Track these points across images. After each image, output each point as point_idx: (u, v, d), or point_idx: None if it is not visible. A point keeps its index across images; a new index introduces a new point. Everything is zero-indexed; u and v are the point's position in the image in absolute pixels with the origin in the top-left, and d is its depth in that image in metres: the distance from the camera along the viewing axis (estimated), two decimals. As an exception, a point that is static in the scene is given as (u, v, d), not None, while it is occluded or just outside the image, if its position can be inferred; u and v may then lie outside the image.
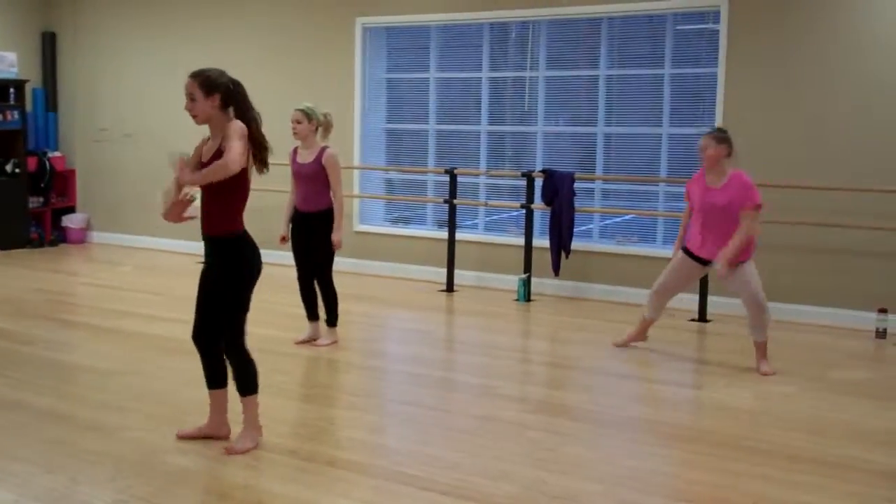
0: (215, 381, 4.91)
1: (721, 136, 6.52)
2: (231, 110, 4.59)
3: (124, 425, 5.28)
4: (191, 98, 4.55)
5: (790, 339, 7.63)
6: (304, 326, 7.32)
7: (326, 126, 7.09)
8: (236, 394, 4.86)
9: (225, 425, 4.98)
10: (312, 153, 7.03)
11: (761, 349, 6.70)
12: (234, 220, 4.69)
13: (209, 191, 4.58)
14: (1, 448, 4.91)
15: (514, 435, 5.27)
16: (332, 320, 7.28)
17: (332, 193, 6.98)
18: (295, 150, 7.11)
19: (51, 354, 6.98)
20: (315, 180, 6.99)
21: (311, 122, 7.03)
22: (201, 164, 4.62)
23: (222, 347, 4.79)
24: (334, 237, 6.95)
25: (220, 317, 4.73)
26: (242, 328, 4.77)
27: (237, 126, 4.50)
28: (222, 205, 4.63)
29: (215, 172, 4.41)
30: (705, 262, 6.74)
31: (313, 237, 7.01)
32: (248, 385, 4.79)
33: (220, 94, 4.55)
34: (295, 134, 7.02)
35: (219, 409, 4.95)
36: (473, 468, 4.67)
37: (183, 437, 4.97)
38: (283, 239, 7.15)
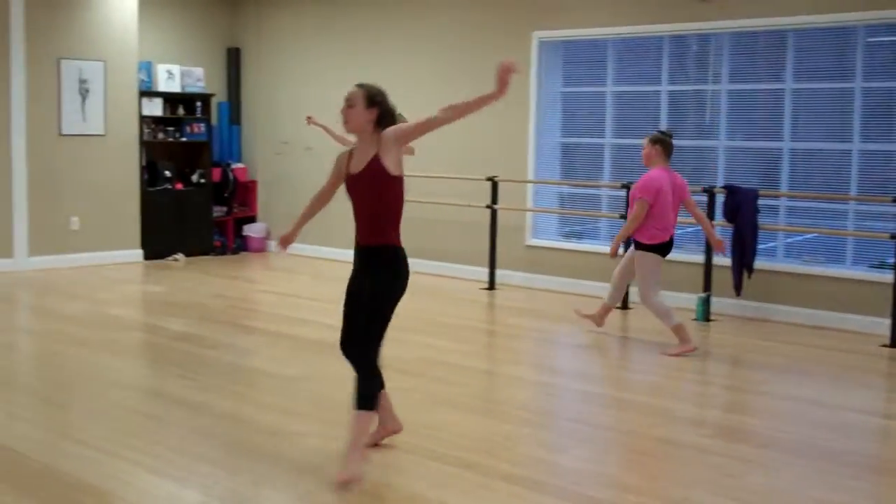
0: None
1: (655, 138, 7.59)
2: (380, 131, 4.61)
3: (304, 431, 5.37)
4: (349, 105, 4.61)
5: None
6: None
7: None
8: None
9: (393, 419, 5.06)
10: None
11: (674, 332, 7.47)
12: (394, 230, 4.65)
13: (369, 199, 4.59)
14: (188, 448, 5.06)
15: (694, 459, 5.10)
16: None
17: None
18: None
19: (233, 359, 7.18)
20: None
21: None
22: (349, 177, 4.64)
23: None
24: None
25: (363, 327, 4.64)
26: (380, 342, 4.68)
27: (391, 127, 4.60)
28: (383, 214, 4.61)
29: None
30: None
31: None
32: (367, 400, 4.61)
33: (378, 109, 4.61)
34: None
35: (383, 406, 4.95)
36: (654, 492, 4.54)
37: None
38: None
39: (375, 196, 4.55)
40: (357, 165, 4.63)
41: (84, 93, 11.28)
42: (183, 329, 8.09)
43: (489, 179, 10.20)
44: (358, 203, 4.65)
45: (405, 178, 4.67)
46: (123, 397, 6.09)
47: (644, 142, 7.69)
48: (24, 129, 10.78)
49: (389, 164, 4.53)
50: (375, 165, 4.53)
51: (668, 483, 4.67)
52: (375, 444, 5.01)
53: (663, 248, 7.60)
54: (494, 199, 10.22)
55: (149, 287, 10.34)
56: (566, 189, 10.53)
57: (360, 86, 4.67)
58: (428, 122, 4.49)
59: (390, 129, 4.57)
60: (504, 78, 4.30)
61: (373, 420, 4.75)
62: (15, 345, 7.85)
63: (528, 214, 10.39)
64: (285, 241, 5.19)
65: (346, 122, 4.64)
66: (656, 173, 7.52)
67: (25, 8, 10.67)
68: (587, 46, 10.19)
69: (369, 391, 4.62)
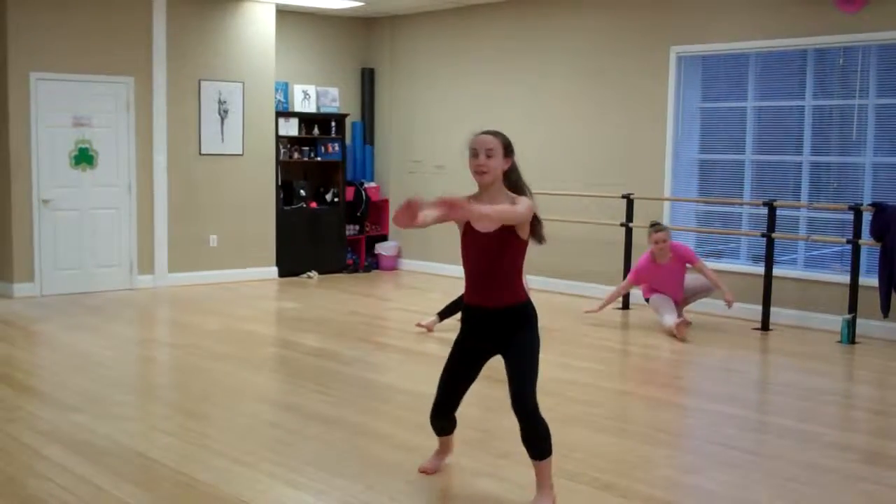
0: (450, 431, 4.96)
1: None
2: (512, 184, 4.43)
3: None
4: (488, 154, 4.31)
5: None
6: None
7: None
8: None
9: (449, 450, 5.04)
10: None
11: None
12: (522, 287, 4.46)
13: (499, 265, 4.36)
14: (325, 462, 5.08)
15: (842, 486, 4.89)
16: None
17: None
18: None
19: (368, 375, 7.20)
20: None
21: None
22: (480, 235, 4.39)
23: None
24: None
25: (527, 381, 4.39)
26: (535, 391, 4.44)
27: (526, 202, 4.31)
28: (514, 275, 4.40)
29: (503, 213, 4.22)
30: None
31: None
32: (544, 449, 4.41)
33: (512, 160, 4.40)
34: None
35: (447, 450, 5.04)
36: (804, 519, 4.34)
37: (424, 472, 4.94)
38: None
39: (505, 258, 4.35)
40: (484, 227, 4.38)
41: (223, 113, 11.55)
42: (317, 345, 8.17)
43: (624, 197, 10.04)
44: (483, 263, 4.40)
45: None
46: (260, 411, 6.16)
47: (662, 236, 8.89)
48: (166, 148, 11.10)
49: (519, 228, 4.33)
50: (508, 229, 4.30)
51: (817, 511, 4.46)
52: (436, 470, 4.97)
53: None
54: (630, 217, 10.06)
55: (283, 303, 10.50)
56: (703, 207, 10.28)
57: (496, 133, 4.39)
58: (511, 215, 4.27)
59: (519, 204, 4.28)
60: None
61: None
62: (155, 358, 8.05)
63: (664, 233, 10.18)
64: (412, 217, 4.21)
65: (484, 174, 4.34)
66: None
67: (167, 30, 11.00)
68: (727, 61, 9.96)
69: (545, 439, 4.41)
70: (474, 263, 4.43)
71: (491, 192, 4.38)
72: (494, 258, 4.35)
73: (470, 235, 4.42)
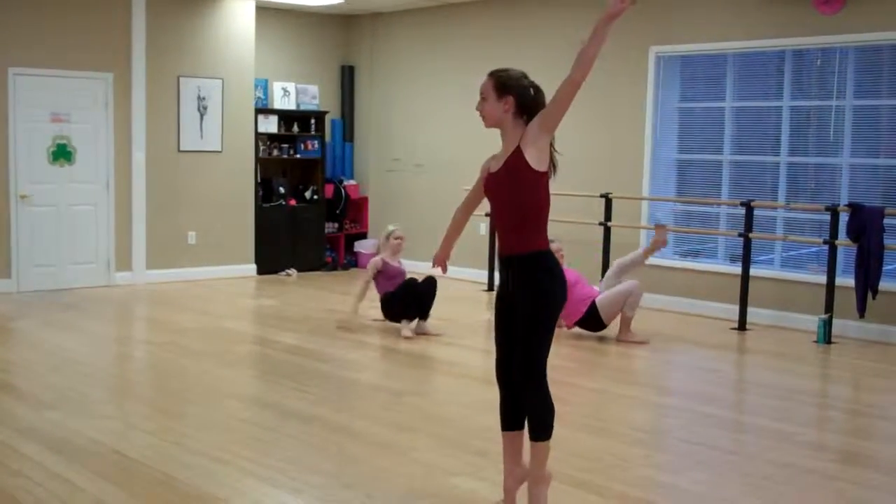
0: (516, 421, 4.30)
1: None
2: (525, 119, 4.12)
3: (415, 446, 5.34)
4: (482, 97, 4.14)
5: None
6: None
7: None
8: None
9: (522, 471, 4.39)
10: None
11: None
12: (541, 234, 4.12)
13: (508, 200, 4.12)
14: (302, 460, 5.08)
15: (818, 485, 4.91)
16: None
17: None
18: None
19: (345, 373, 7.20)
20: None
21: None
22: (488, 176, 4.19)
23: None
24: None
25: (525, 346, 4.11)
26: (546, 360, 4.14)
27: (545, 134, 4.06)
28: (527, 218, 4.08)
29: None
30: None
31: None
32: (545, 429, 4.14)
33: (513, 96, 4.10)
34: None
35: (515, 454, 4.35)
36: (778, 517, 4.37)
37: None
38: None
39: (515, 196, 4.06)
40: (497, 163, 4.17)
41: (202, 110, 11.51)
42: (295, 342, 8.16)
43: (603, 196, 10.07)
44: (497, 206, 4.16)
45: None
46: (237, 408, 6.15)
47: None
48: (144, 145, 11.05)
49: (531, 157, 4.02)
50: (515, 160, 4.05)
51: (792, 509, 4.49)
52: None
53: None
54: (608, 216, 10.09)
55: (262, 301, 10.48)
56: (681, 206, 10.33)
57: (491, 74, 4.18)
58: (566, 88, 3.97)
59: (535, 118, 4.05)
60: None
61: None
62: (133, 356, 8.02)
63: (643, 232, 10.21)
64: (441, 262, 4.64)
65: (483, 119, 4.17)
66: None
67: (147, 26, 10.95)
68: (706, 61, 10.00)
69: (546, 417, 4.14)
70: (493, 210, 4.22)
71: (504, 135, 4.17)
72: (506, 198, 4.11)
73: (488, 178, 4.21)
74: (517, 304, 4.13)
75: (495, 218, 4.22)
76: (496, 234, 4.25)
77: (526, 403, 4.17)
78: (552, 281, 4.10)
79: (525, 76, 4.22)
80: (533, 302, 4.08)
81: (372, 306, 8.99)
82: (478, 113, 4.20)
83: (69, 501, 4.44)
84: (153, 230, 11.18)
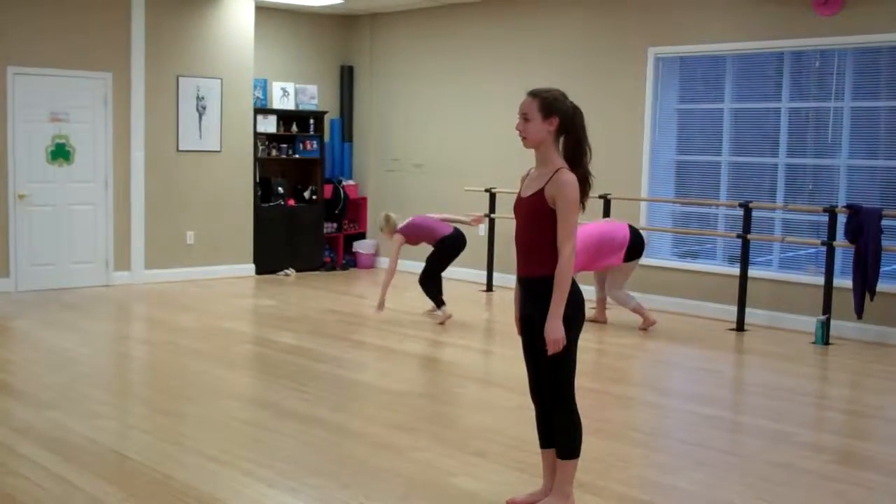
0: (551, 438, 4.37)
1: None
2: (562, 139, 4.16)
3: (414, 446, 5.34)
4: (525, 118, 4.13)
5: None
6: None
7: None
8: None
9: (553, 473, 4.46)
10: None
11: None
12: (557, 259, 4.11)
13: (529, 225, 4.16)
14: (299, 460, 5.08)
15: (816, 486, 4.92)
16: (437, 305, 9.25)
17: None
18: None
19: (344, 373, 7.20)
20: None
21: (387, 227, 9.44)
22: (518, 199, 4.23)
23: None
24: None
25: (549, 371, 4.21)
26: (573, 380, 4.25)
27: (569, 182, 4.04)
28: (546, 245, 4.10)
29: (561, 290, 4.04)
30: None
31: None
32: (573, 448, 4.25)
33: (559, 118, 4.12)
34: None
35: (552, 470, 4.41)
36: (776, 518, 4.37)
37: None
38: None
39: (535, 226, 4.12)
40: (527, 189, 4.19)
41: (201, 110, 11.51)
42: (294, 342, 8.16)
43: (601, 197, 10.07)
44: (519, 227, 4.22)
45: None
46: (236, 408, 6.15)
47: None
48: (143, 144, 11.05)
49: (552, 203, 4.07)
50: (539, 203, 4.10)
51: (790, 510, 4.50)
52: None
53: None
54: (607, 217, 10.09)
55: (260, 301, 10.48)
56: (680, 208, 10.33)
57: (534, 94, 4.17)
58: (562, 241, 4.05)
59: (569, 183, 4.04)
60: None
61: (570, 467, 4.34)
62: (131, 355, 8.02)
63: (644, 234, 10.19)
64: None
65: (524, 139, 4.16)
66: None
67: (146, 26, 10.95)
68: (704, 62, 10.01)
69: (574, 436, 4.24)
70: (516, 229, 4.26)
71: (539, 156, 4.19)
72: (527, 225, 4.17)
73: (517, 200, 4.26)
74: (536, 327, 4.19)
75: (515, 237, 4.27)
76: (516, 252, 4.30)
77: (555, 424, 4.28)
78: (571, 304, 4.15)
79: (565, 96, 4.24)
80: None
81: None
82: (518, 132, 4.19)
83: (67, 501, 4.44)
84: (152, 230, 11.18)
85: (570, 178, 4.06)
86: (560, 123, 4.14)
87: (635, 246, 8.87)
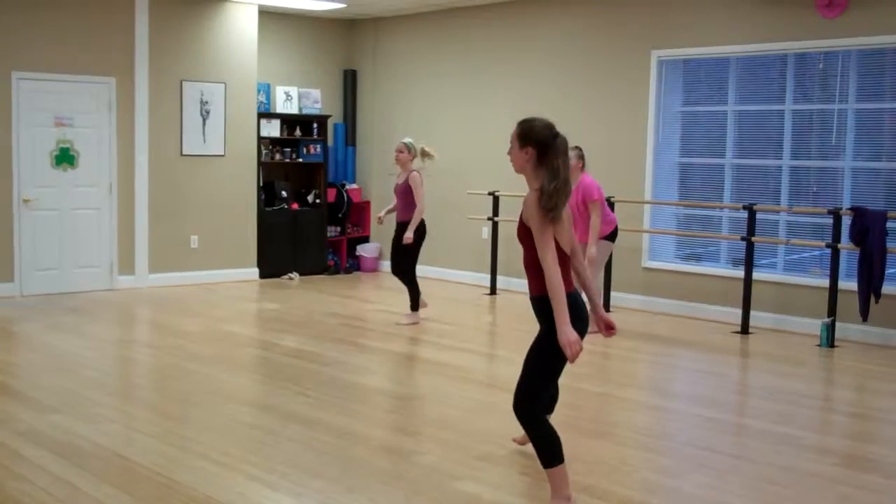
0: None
1: (578, 153, 8.53)
2: (545, 168, 4.24)
3: (418, 450, 5.33)
4: (510, 146, 4.37)
5: None
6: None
7: (421, 154, 9.19)
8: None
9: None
10: (404, 175, 9.08)
11: None
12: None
13: (524, 247, 4.34)
14: (304, 464, 5.07)
15: (822, 489, 4.91)
16: (413, 306, 9.23)
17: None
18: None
19: (348, 376, 7.19)
20: (405, 195, 9.03)
21: (410, 153, 9.12)
22: (519, 222, 4.36)
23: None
24: (406, 234, 8.86)
25: (524, 372, 4.39)
26: (539, 395, 4.36)
27: (529, 202, 4.20)
28: (536, 262, 4.26)
29: (557, 301, 4.17)
30: None
31: (402, 239, 8.96)
32: (550, 457, 4.33)
33: (533, 147, 4.25)
34: (396, 161, 9.20)
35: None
36: (782, 521, 4.36)
37: None
38: (380, 220, 9.30)
39: (529, 248, 4.29)
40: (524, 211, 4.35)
41: (205, 114, 11.52)
42: (297, 346, 8.16)
43: (605, 200, 10.06)
44: (526, 253, 4.36)
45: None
46: (240, 412, 6.15)
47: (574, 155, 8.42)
48: (147, 149, 11.06)
49: (533, 226, 4.22)
50: (523, 228, 4.31)
51: (795, 513, 4.48)
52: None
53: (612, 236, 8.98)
54: (610, 220, 10.09)
55: (264, 305, 10.48)
56: (683, 210, 10.32)
57: (519, 123, 4.36)
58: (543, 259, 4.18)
59: (529, 203, 4.20)
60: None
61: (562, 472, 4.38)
62: (135, 359, 8.02)
63: (645, 236, 10.22)
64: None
65: (512, 163, 4.41)
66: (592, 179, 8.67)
67: (150, 31, 10.97)
68: (708, 65, 10.00)
69: (546, 445, 4.33)
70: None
71: (528, 182, 4.35)
72: (523, 247, 4.36)
73: (518, 225, 4.41)
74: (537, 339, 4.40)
75: (526, 262, 4.40)
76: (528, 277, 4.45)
77: (528, 435, 4.39)
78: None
79: (550, 126, 4.31)
80: (542, 337, 4.35)
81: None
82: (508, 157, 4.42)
83: (71, 505, 4.44)
84: (156, 234, 11.19)
85: (530, 197, 4.23)
86: (536, 153, 4.26)
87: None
